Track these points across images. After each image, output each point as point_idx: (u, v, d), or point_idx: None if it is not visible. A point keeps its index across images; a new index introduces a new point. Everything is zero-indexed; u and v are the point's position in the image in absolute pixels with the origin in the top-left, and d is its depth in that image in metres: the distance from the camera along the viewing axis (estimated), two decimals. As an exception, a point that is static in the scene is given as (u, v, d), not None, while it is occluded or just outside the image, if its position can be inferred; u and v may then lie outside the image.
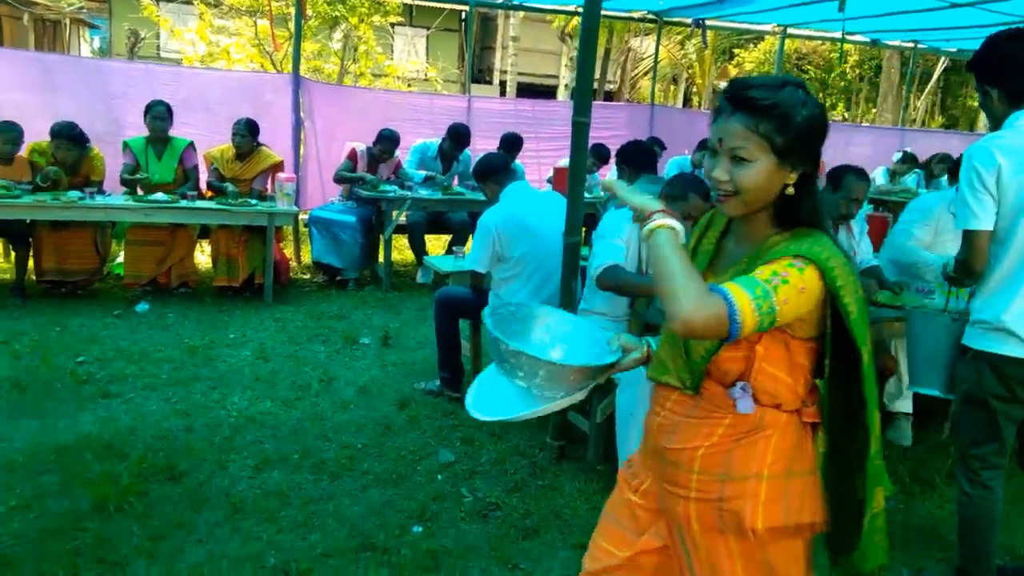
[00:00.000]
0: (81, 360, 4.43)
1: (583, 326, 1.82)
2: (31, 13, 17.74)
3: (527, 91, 18.14)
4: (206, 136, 6.63)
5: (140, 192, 5.79)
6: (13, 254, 5.66)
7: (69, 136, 5.40)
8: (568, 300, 3.56)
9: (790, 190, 1.48)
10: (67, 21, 17.59)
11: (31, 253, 5.51)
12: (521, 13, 11.78)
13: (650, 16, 9.50)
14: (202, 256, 6.66)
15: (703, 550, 1.57)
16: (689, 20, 9.42)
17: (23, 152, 5.51)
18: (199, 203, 5.70)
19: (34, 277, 5.59)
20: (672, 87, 21.20)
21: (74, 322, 5.07)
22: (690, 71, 20.43)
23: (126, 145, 5.82)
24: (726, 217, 1.62)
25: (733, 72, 23.38)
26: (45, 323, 4.99)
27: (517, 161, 7.13)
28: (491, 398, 1.69)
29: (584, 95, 3.50)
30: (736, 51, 22.42)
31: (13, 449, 3.38)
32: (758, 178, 1.45)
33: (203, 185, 6.14)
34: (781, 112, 1.42)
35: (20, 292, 5.42)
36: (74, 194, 5.31)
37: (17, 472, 3.20)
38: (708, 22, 9.44)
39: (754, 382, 1.51)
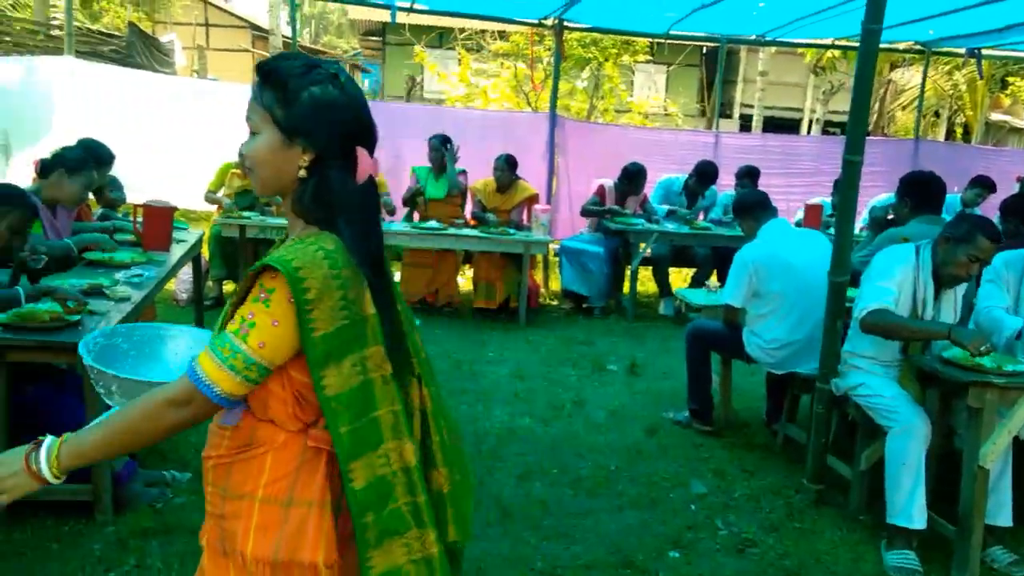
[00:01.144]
0: (368, 366, 5.03)
1: None
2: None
3: (770, 125, 17.66)
4: (467, 169, 7.22)
5: (416, 216, 6.48)
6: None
7: None
8: (832, 341, 3.49)
9: (302, 172, 1.36)
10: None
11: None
12: (772, 48, 11.59)
13: (917, 47, 8.94)
14: (460, 279, 7.23)
15: (208, 572, 1.45)
16: (962, 50, 8.74)
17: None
18: (464, 231, 6.25)
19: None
20: (933, 120, 19.57)
21: (359, 332, 5.75)
22: (959, 102, 18.74)
23: (413, 171, 6.57)
24: None
25: (1006, 102, 21.08)
26: (337, 332, 5.72)
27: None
28: None
29: (858, 133, 3.45)
30: (1010, 79, 20.22)
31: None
32: (261, 152, 1.35)
33: (467, 214, 6.71)
34: (279, 81, 1.33)
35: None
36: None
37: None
38: (984, 51, 8.70)
39: None
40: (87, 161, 3.88)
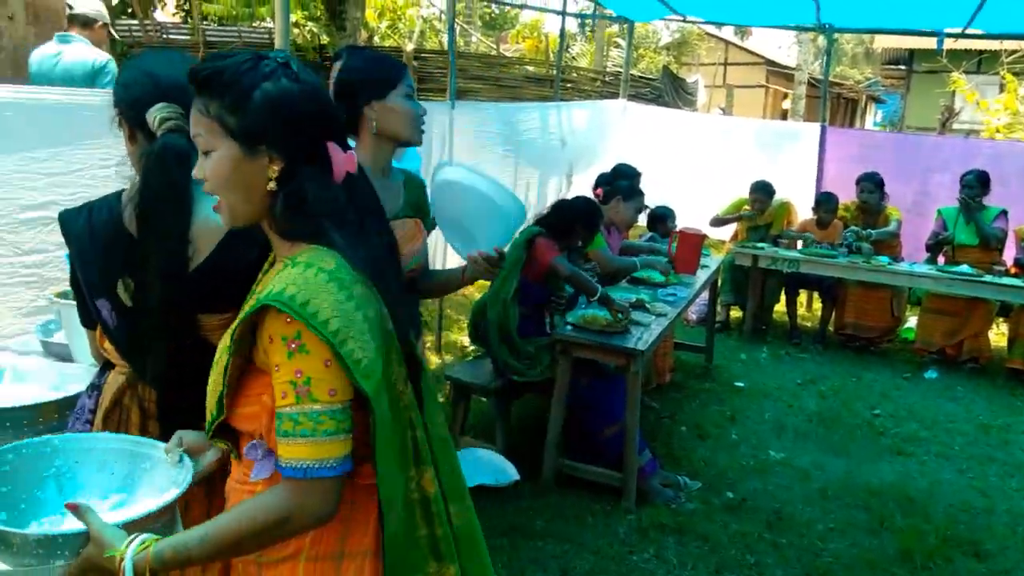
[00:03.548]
0: (876, 413, 4.75)
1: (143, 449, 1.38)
2: (831, 92, 19.81)
3: None
4: (1008, 208, 6.29)
5: (942, 260, 5.88)
6: (818, 305, 6.43)
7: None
8: None
9: (271, 185, 1.15)
10: (863, 98, 19.01)
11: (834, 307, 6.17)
12: None
13: None
14: (992, 334, 6.35)
15: None
16: None
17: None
18: (1005, 280, 5.47)
19: (831, 328, 6.22)
20: None
21: (867, 375, 5.46)
22: None
23: (940, 214, 5.98)
24: None
25: None
26: (843, 372, 5.51)
27: None
28: None
29: None
30: None
31: (825, 478, 3.85)
32: (220, 170, 1.15)
33: (1009, 260, 5.86)
34: (225, 83, 1.13)
35: (821, 340, 6.12)
36: (883, 259, 5.73)
37: (831, 499, 3.64)
38: None
39: (270, 439, 1.17)
40: (638, 190, 4.43)
